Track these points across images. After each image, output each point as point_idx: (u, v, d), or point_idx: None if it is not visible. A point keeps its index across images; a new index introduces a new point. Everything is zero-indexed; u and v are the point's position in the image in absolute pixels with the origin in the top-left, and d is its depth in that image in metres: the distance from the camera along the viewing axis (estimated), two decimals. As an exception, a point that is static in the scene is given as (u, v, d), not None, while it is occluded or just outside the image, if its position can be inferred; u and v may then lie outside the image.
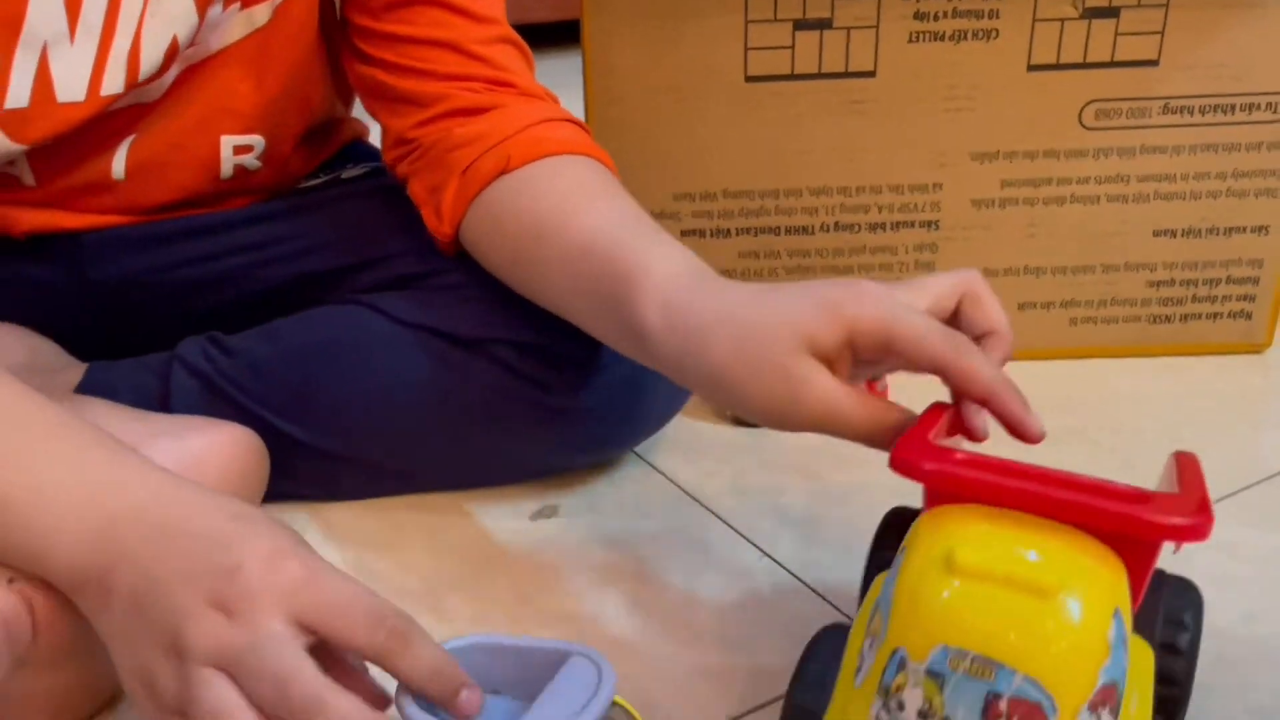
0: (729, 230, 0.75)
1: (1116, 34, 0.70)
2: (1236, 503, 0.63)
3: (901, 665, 0.33)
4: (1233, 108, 0.72)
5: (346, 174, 0.68)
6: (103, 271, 0.61)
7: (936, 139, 0.73)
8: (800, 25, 0.70)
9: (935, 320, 0.42)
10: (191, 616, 0.35)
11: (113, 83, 0.52)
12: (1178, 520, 0.33)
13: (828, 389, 0.42)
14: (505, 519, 0.61)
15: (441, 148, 0.57)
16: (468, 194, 0.55)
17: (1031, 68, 0.71)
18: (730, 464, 0.67)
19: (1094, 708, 0.32)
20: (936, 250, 0.76)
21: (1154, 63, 0.71)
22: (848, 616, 0.53)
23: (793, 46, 0.70)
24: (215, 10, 0.54)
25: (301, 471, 0.59)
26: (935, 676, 0.32)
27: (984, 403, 0.41)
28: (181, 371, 0.58)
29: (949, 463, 0.37)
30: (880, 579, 0.38)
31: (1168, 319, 0.78)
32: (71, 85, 0.51)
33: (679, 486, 0.65)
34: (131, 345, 0.61)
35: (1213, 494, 0.36)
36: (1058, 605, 0.32)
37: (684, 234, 0.75)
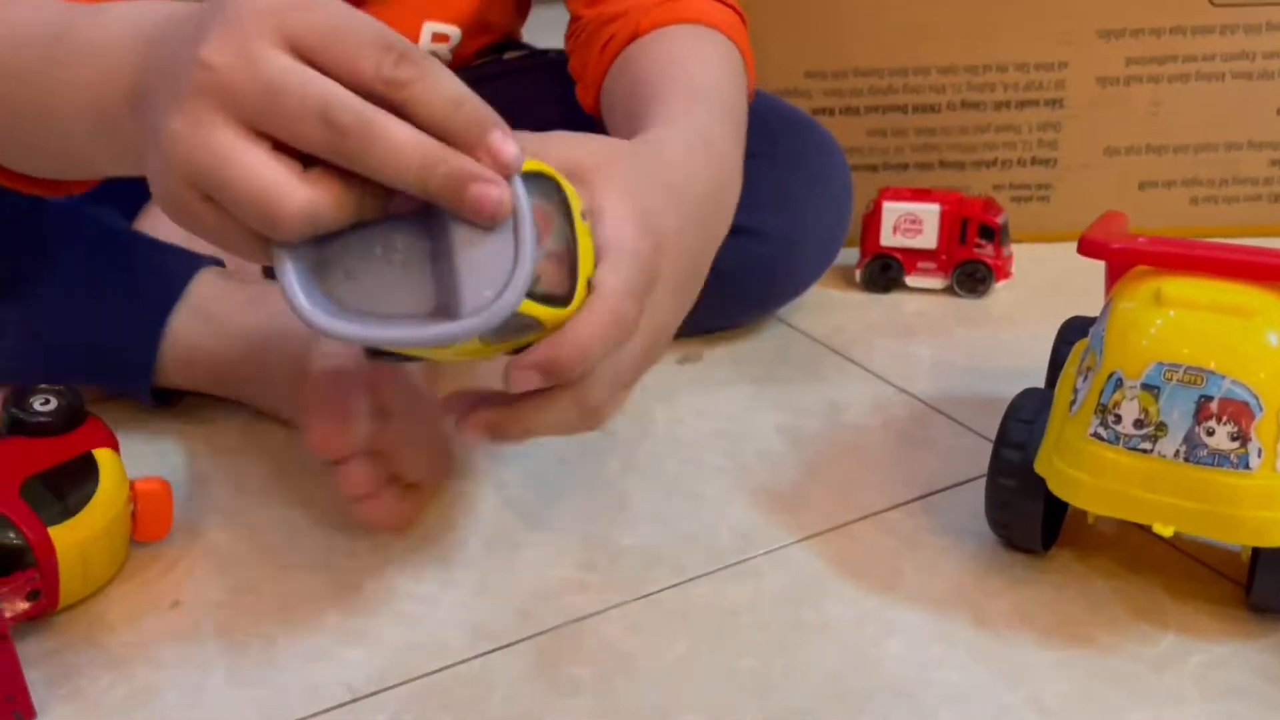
0: (858, 108, 0.80)
1: (1246, -91, 0.73)
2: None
3: (1118, 385, 0.37)
4: (1358, -16, 0.75)
5: (506, 56, 0.73)
6: None
7: (1063, 17, 0.77)
8: (936, -97, 0.74)
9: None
10: (190, 68, 0.32)
11: None
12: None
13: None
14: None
15: (594, 28, 0.61)
16: (604, 63, 0.59)
17: (1161, -57, 0.75)
18: (860, 321, 0.71)
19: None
20: (1060, 129, 0.80)
21: (1282, -62, 0.74)
22: (985, 437, 0.57)
23: (927, -76, 0.74)
24: None
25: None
26: (1150, 389, 0.37)
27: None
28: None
29: (1135, 243, 0.42)
30: (1080, 343, 0.43)
31: (1287, 198, 0.81)
32: None
33: (814, 338, 0.69)
34: None
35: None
36: (1260, 322, 0.36)
37: (815, 111, 0.79)
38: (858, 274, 0.76)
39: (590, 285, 0.35)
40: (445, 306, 0.33)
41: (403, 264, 0.33)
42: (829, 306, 0.74)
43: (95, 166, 0.43)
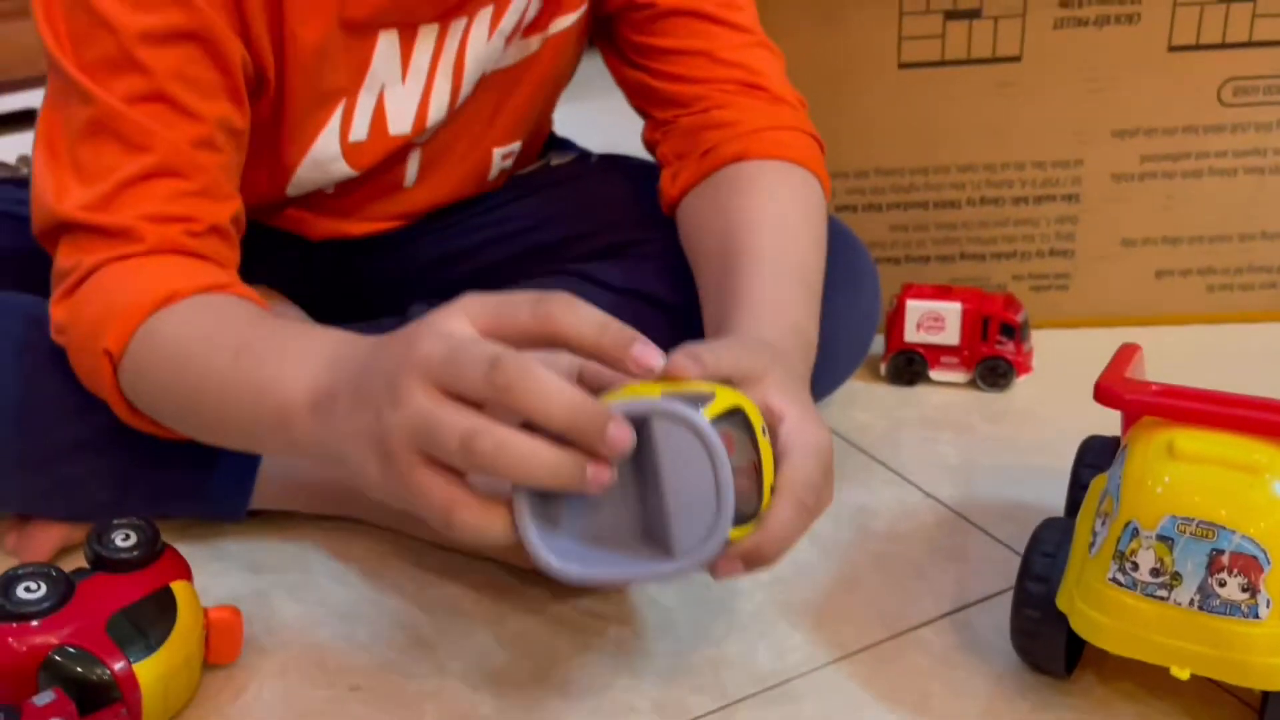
0: (880, 205, 0.83)
1: (1254, 15, 0.77)
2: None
3: (1134, 534, 0.40)
4: (1365, 82, 0.78)
5: (554, 161, 0.77)
6: (369, 267, 0.71)
7: (1078, 118, 0.80)
8: (951, 15, 0.78)
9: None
10: (400, 364, 0.39)
11: (436, 113, 0.63)
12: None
13: None
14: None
15: (694, 128, 0.65)
16: (702, 170, 0.63)
17: (1172, 48, 0.78)
18: (886, 416, 0.74)
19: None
20: (1077, 222, 0.83)
21: (1289, 41, 0.77)
22: (1011, 549, 0.59)
23: (943, 35, 0.78)
24: (514, 43, 0.63)
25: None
26: (1165, 540, 0.39)
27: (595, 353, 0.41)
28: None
29: (1146, 393, 0.44)
30: (1098, 479, 0.46)
31: (1301, 285, 0.84)
32: (401, 119, 0.62)
33: (841, 435, 0.72)
34: (363, 310, 0.71)
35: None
36: (1268, 478, 0.39)
37: (839, 209, 0.82)
38: (883, 367, 0.79)
39: (773, 489, 0.41)
40: (652, 531, 0.40)
41: (616, 490, 0.39)
42: (855, 401, 0.76)
43: (263, 449, 0.55)
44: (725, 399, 0.40)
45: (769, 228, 0.60)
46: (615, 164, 0.78)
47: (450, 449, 0.38)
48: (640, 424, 0.38)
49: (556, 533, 0.39)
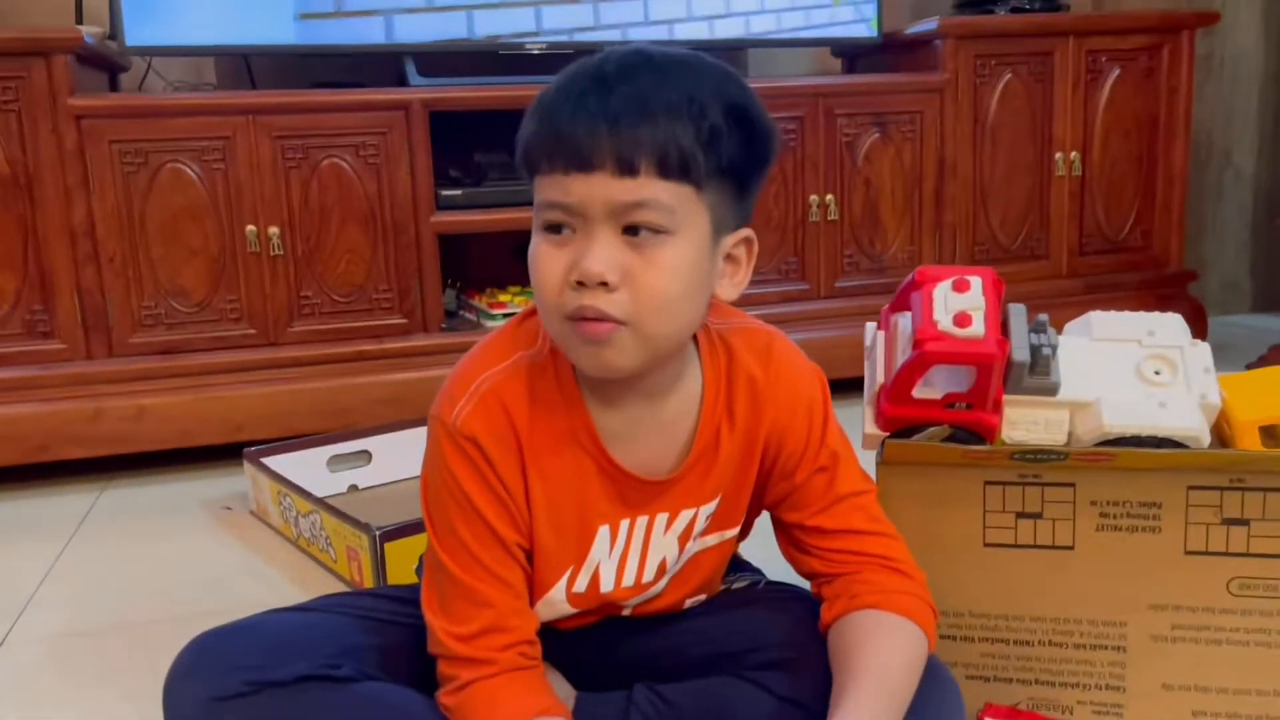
0: (973, 638, 1.16)
1: (1249, 536, 1.07)
2: None
3: None
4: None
5: (735, 585, 1.16)
6: (595, 656, 1.12)
7: (1121, 593, 1.11)
8: (1021, 515, 1.13)
9: None
10: None
11: (628, 581, 1.05)
12: None
13: None
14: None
15: (845, 581, 1.01)
16: (849, 608, 0.99)
17: (1187, 552, 1.09)
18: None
19: None
20: (1125, 666, 1.12)
21: (1280, 554, 1.06)
22: None
23: (1015, 528, 1.13)
24: (690, 546, 1.05)
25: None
26: None
27: None
28: (635, 711, 1.06)
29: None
30: None
31: (1317, 735, 1.08)
32: (608, 583, 1.04)
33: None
34: (594, 681, 1.09)
35: None
36: None
37: (943, 638, 1.15)
38: (967, 766, 1.09)
39: None
40: None
41: None
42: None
43: None
44: None
45: (877, 657, 0.94)
46: (778, 591, 1.15)
47: None
48: None
49: None
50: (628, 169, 0.85)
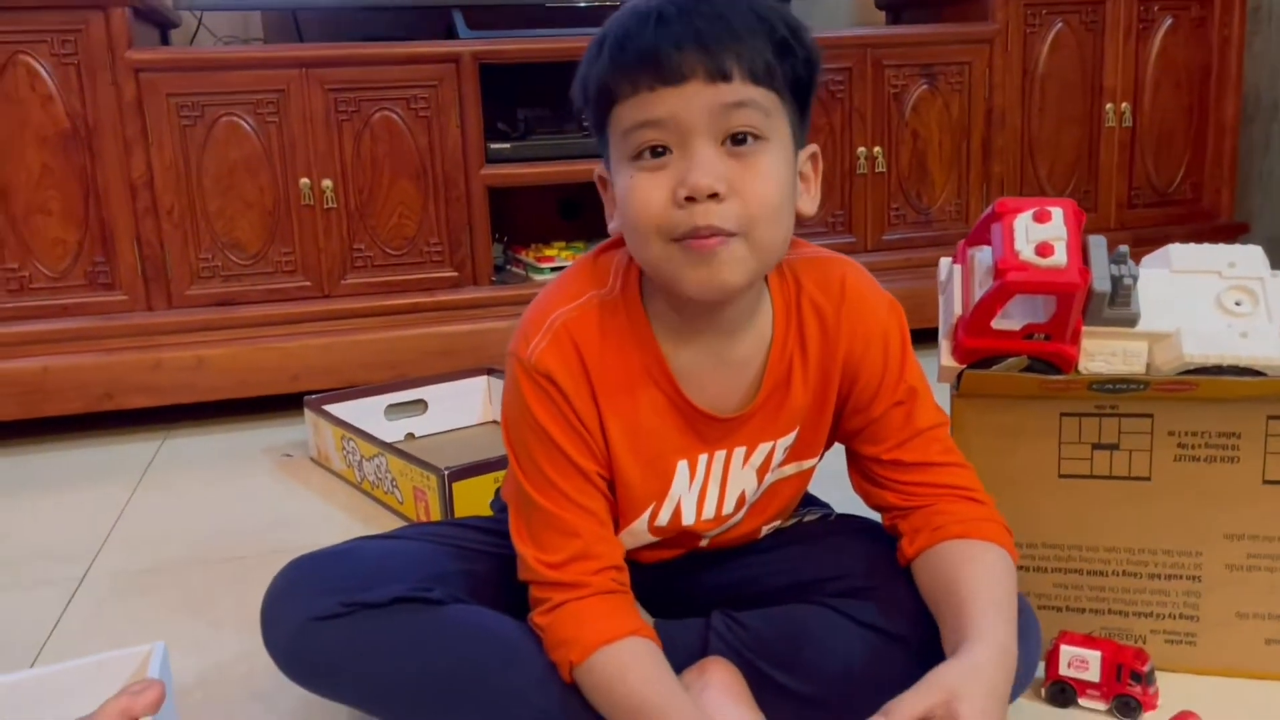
0: (1046, 568, 1.17)
1: (1328, 463, 1.07)
2: None
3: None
4: None
5: (807, 518, 1.18)
6: (674, 585, 1.14)
7: (1197, 523, 1.12)
8: (1097, 447, 1.13)
9: None
10: None
11: (708, 514, 1.07)
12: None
13: None
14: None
15: (924, 514, 1.03)
16: (933, 540, 1.00)
17: (1266, 481, 1.09)
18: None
19: None
20: (1199, 596, 1.13)
21: (1360, 483, 1.07)
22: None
23: (1091, 459, 1.14)
24: (769, 478, 1.07)
25: (782, 707, 1.04)
26: None
27: None
28: (715, 637, 1.08)
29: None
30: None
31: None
32: (689, 515, 1.06)
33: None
34: (671, 609, 1.12)
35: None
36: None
37: (1018, 569, 1.16)
38: (1043, 691, 1.11)
39: None
40: None
41: None
42: (1021, 716, 1.08)
43: None
44: None
45: (985, 585, 0.95)
46: (850, 522, 1.16)
47: None
48: None
49: None
50: (721, 75, 0.86)
